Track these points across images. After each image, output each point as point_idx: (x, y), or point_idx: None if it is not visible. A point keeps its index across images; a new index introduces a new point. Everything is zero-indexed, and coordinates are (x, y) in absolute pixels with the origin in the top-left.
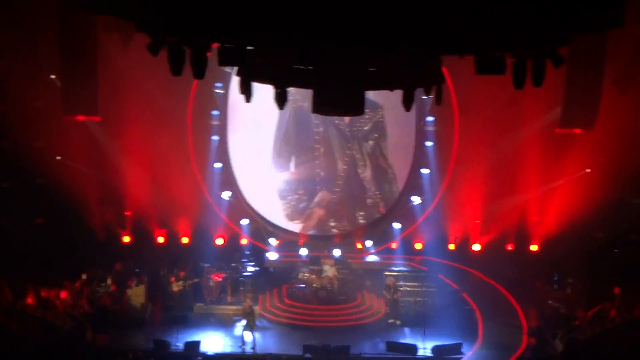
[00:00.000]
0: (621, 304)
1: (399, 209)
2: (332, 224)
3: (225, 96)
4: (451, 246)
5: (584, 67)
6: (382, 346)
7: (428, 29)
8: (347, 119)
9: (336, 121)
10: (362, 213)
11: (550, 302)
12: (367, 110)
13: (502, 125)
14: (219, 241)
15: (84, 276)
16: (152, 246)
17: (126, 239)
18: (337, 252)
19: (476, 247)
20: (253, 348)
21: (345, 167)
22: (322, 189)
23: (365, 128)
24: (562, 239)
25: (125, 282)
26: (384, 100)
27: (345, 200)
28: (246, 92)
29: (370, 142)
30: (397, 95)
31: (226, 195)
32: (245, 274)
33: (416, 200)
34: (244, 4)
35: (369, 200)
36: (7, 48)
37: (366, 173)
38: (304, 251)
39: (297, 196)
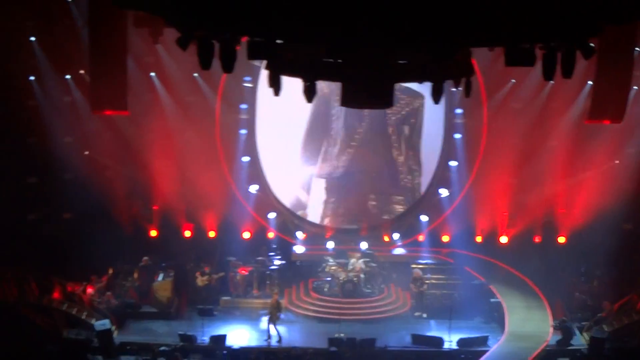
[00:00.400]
0: None
1: (427, 201)
2: (369, 217)
3: (253, 90)
4: (478, 238)
5: (614, 59)
6: (407, 339)
7: (458, 21)
8: None
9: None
10: (399, 198)
11: (577, 294)
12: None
13: (531, 117)
14: (246, 235)
15: (110, 270)
16: (179, 240)
17: (153, 233)
18: (364, 245)
19: (503, 239)
20: (279, 341)
21: (383, 156)
22: (359, 180)
23: (403, 112)
24: (589, 231)
25: (151, 277)
26: (422, 89)
27: (382, 192)
28: (275, 85)
29: (406, 127)
30: (429, 85)
31: (254, 188)
32: (272, 267)
33: (444, 192)
34: None
35: (400, 191)
36: (37, 43)
37: (401, 158)
38: (330, 244)
39: (325, 189)
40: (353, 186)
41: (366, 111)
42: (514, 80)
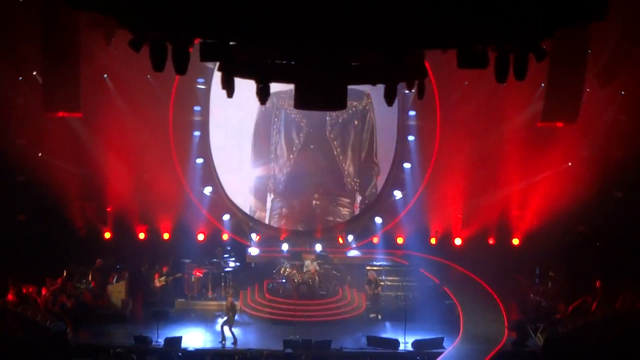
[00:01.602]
0: (602, 297)
1: (381, 203)
2: (314, 219)
3: (207, 92)
4: (433, 240)
5: (567, 61)
6: (363, 341)
7: (409, 23)
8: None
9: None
10: (344, 202)
11: (531, 295)
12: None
13: (485, 119)
14: (200, 237)
15: (64, 273)
16: (133, 242)
17: (107, 235)
18: (318, 247)
19: (458, 241)
20: (234, 343)
21: (326, 158)
22: (303, 182)
23: (345, 117)
24: (543, 233)
25: (106, 278)
26: (370, 88)
27: (326, 194)
28: (228, 87)
29: (351, 131)
30: (380, 87)
31: (207, 190)
32: (227, 269)
33: (398, 194)
34: (225, 1)
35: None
36: None
37: (347, 163)
38: (285, 246)
39: (277, 191)
40: (298, 188)
41: (306, 114)
42: (467, 83)
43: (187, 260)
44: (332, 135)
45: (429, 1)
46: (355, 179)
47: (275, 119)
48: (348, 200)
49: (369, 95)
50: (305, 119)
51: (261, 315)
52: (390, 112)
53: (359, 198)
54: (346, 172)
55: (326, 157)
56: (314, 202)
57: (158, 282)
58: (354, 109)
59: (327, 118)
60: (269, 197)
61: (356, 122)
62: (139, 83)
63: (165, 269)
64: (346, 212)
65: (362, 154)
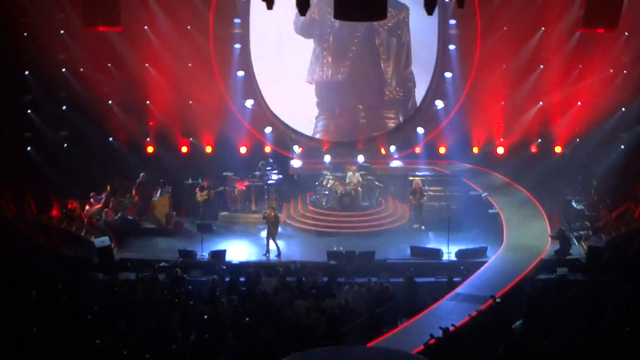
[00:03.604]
0: None
1: (422, 113)
2: (356, 129)
3: (247, 4)
4: (475, 150)
5: None
6: (407, 251)
7: None
8: None
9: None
10: (390, 113)
11: (574, 203)
12: (390, 9)
13: (525, 26)
14: (243, 150)
15: (108, 187)
16: (176, 156)
17: (150, 149)
18: (360, 158)
19: (500, 150)
20: (278, 256)
21: (373, 67)
22: (347, 94)
23: (390, 24)
24: (586, 141)
25: (149, 193)
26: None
27: (371, 107)
28: None
29: (394, 40)
30: None
31: (249, 103)
32: (269, 182)
33: (439, 104)
34: None
35: (390, 105)
36: None
37: (389, 73)
38: (327, 158)
39: (320, 102)
40: (342, 99)
41: (359, 24)
42: None
43: (229, 174)
44: (379, 41)
45: None
46: (397, 89)
47: (324, 28)
48: (392, 113)
49: (407, 8)
50: (357, 25)
51: (304, 227)
52: (430, 22)
53: (401, 110)
54: (389, 81)
55: (373, 65)
56: (359, 117)
57: (201, 196)
58: (395, 19)
59: (375, 25)
60: (313, 109)
61: (399, 32)
62: None
63: (206, 183)
64: (392, 125)
65: (401, 64)
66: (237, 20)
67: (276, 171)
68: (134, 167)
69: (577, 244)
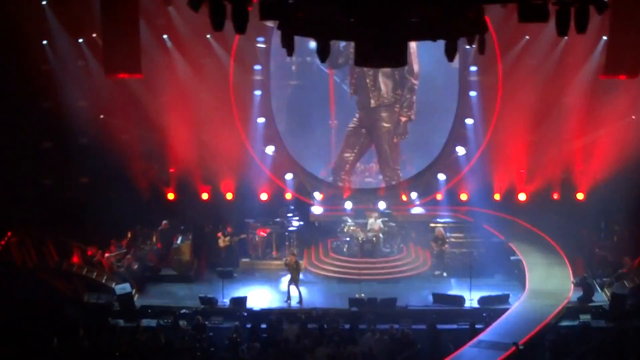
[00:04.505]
0: None
1: (444, 159)
2: (377, 176)
3: (267, 50)
4: (497, 196)
5: (629, 12)
6: (429, 298)
7: None
8: None
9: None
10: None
11: (597, 250)
12: None
13: (546, 73)
14: (264, 196)
15: (129, 234)
16: (197, 203)
17: (170, 196)
18: (382, 205)
19: (522, 196)
20: (299, 302)
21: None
22: (371, 133)
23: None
24: (608, 187)
25: (170, 240)
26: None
27: (389, 152)
28: (288, 45)
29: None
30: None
31: (270, 150)
32: (290, 228)
33: (461, 150)
34: None
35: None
36: (48, 6)
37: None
38: (348, 204)
39: (343, 142)
40: (369, 145)
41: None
42: (528, 37)
43: (250, 220)
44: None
45: None
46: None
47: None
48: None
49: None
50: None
51: (326, 274)
52: (451, 68)
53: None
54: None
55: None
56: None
57: (222, 243)
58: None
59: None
60: (336, 155)
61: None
62: (198, 43)
63: (229, 230)
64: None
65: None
66: (257, 67)
67: (297, 218)
68: (154, 214)
69: (600, 291)
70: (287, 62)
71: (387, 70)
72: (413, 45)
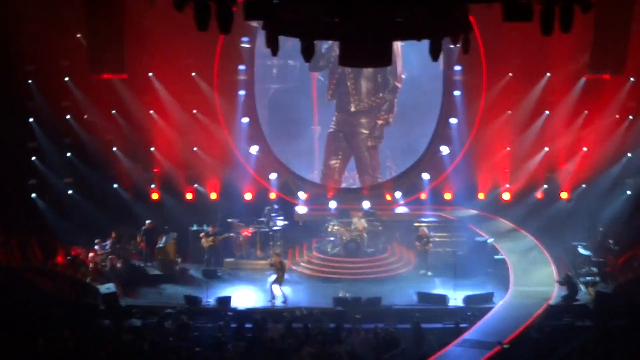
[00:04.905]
0: None
1: (428, 159)
2: (361, 176)
3: (251, 50)
4: (480, 195)
5: (613, 12)
6: (413, 297)
7: None
8: None
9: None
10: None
11: (580, 249)
12: None
13: (530, 72)
14: (248, 196)
15: (113, 234)
16: (181, 203)
17: (155, 196)
18: (366, 204)
19: (506, 196)
20: (284, 302)
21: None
22: (350, 140)
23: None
24: (592, 186)
25: (154, 239)
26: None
27: (369, 159)
28: (272, 46)
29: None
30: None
31: (254, 149)
32: (275, 228)
33: (445, 150)
34: None
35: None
36: (34, 8)
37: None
38: (333, 204)
39: (325, 149)
40: (353, 146)
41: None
42: (511, 37)
43: (234, 220)
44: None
45: None
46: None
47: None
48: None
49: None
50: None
51: (310, 273)
52: (434, 67)
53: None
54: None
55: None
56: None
57: (206, 242)
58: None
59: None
60: (320, 155)
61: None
62: (183, 44)
63: (213, 229)
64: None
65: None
66: (241, 67)
67: (281, 217)
68: (139, 214)
69: (584, 290)
70: (269, 65)
71: (370, 73)
72: (397, 46)
